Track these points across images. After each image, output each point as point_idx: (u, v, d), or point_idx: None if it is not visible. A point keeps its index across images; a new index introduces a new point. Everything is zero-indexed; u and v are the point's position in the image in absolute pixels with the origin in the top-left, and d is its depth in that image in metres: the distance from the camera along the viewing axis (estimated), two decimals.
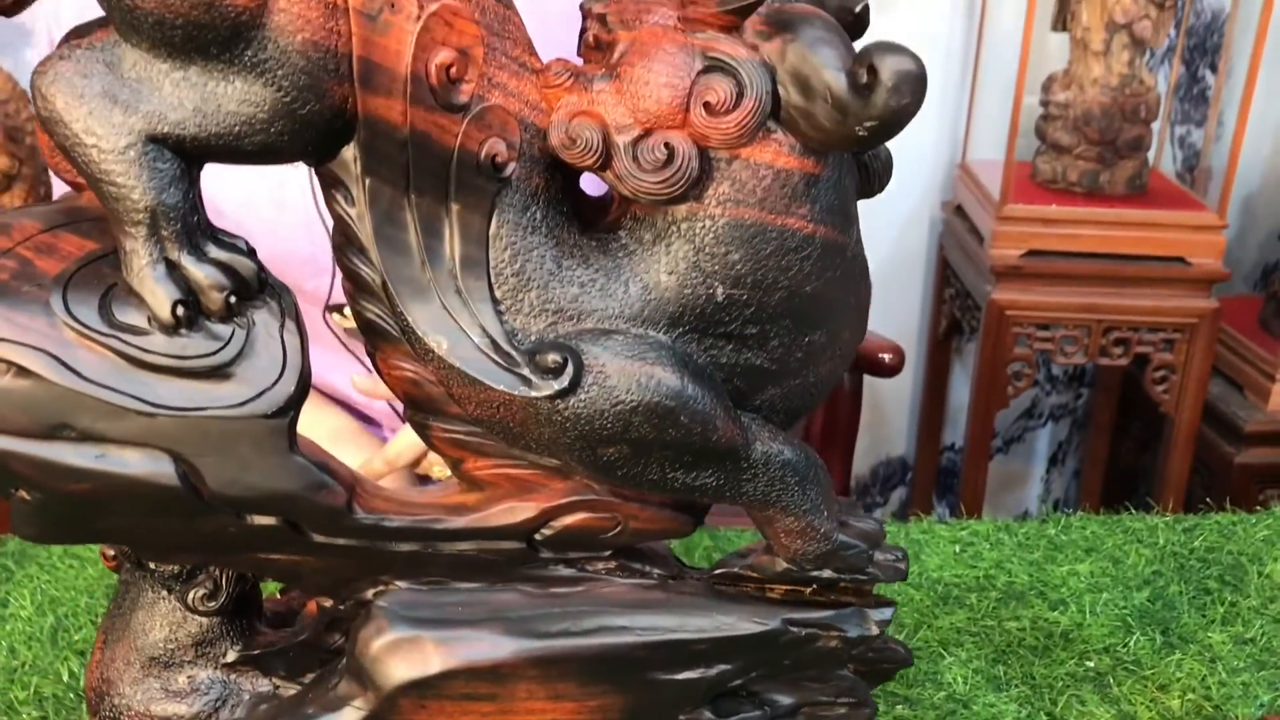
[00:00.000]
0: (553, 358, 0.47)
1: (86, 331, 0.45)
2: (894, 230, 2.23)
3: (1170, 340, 1.93)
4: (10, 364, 0.46)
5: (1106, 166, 1.92)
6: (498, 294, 0.48)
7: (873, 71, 0.43)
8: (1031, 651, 1.03)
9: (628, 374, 0.48)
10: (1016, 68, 1.80)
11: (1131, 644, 1.04)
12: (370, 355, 0.51)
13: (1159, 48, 1.92)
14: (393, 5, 0.44)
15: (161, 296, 0.46)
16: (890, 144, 0.49)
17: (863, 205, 0.53)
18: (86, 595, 1.02)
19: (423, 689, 0.52)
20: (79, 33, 0.48)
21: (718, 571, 0.55)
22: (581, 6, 0.51)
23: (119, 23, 0.44)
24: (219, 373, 0.47)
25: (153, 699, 0.58)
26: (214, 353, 0.46)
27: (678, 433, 0.48)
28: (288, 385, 0.47)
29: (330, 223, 0.49)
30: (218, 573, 0.58)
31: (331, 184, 0.48)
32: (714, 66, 0.45)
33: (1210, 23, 2.18)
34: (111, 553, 0.61)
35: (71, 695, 0.94)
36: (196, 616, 0.58)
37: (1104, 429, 2.42)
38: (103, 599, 0.94)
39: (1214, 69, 2.20)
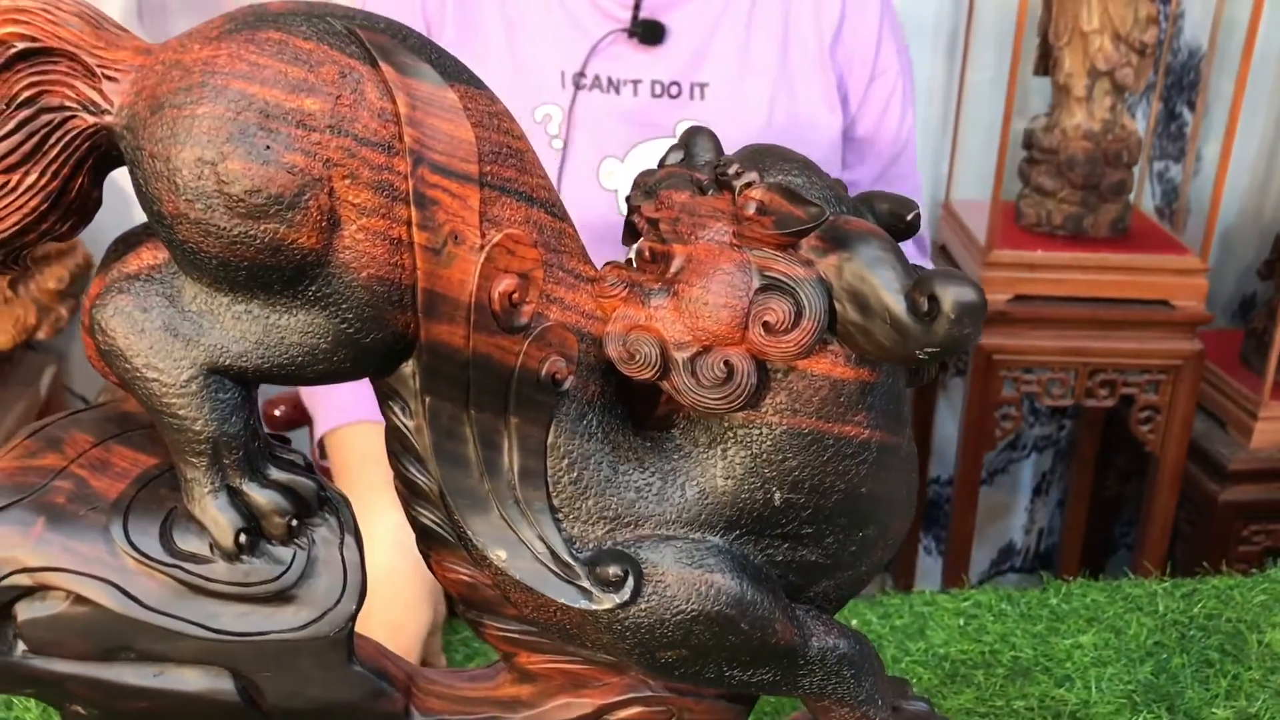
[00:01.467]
0: (614, 570, 0.47)
1: (148, 562, 0.45)
2: None
3: (1155, 382, 1.95)
4: (70, 592, 0.46)
5: (1090, 210, 1.94)
6: (555, 502, 0.48)
7: (934, 301, 0.43)
8: None
9: (687, 583, 0.48)
10: (1000, 110, 1.82)
11: None
12: (424, 556, 0.51)
13: (1139, 93, 1.94)
14: (456, 238, 0.44)
15: (224, 525, 0.45)
16: None
17: None
18: None
19: None
20: (125, 242, 0.47)
21: None
22: (629, 199, 0.51)
23: (180, 260, 0.44)
24: (281, 597, 0.46)
25: None
26: (276, 578, 0.46)
27: (737, 638, 0.49)
28: (349, 605, 0.47)
29: None
30: None
31: (388, 395, 0.48)
32: (772, 286, 0.45)
33: (1187, 60, 2.21)
34: None
35: None
36: None
37: (1087, 460, 2.44)
38: None
39: (1191, 106, 2.23)
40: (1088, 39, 1.85)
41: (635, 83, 1.10)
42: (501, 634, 0.51)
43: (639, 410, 0.51)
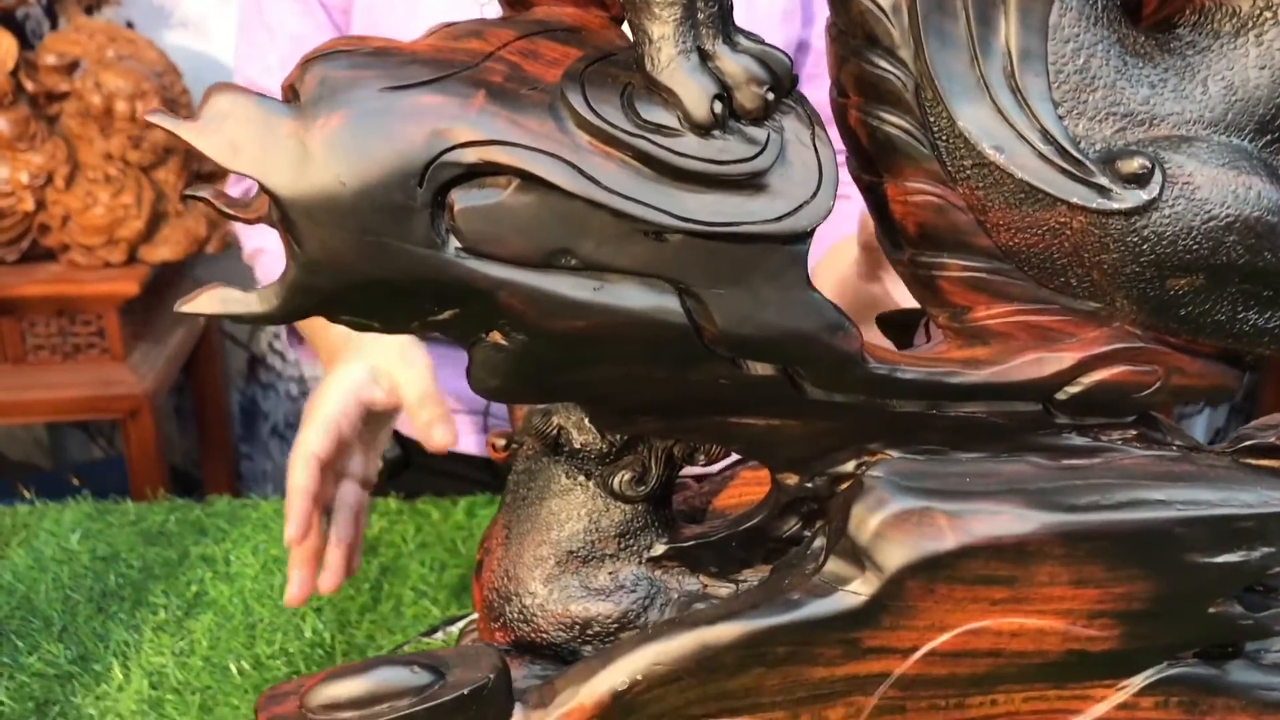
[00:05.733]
0: (1138, 164, 0.40)
1: (611, 131, 0.39)
2: None
3: None
4: (515, 173, 0.40)
5: None
6: (1056, 95, 0.41)
7: None
8: None
9: (1221, 184, 0.41)
10: None
11: None
12: (870, 187, 0.45)
13: None
14: None
15: (697, 90, 0.39)
16: None
17: None
18: None
19: (933, 569, 0.45)
20: None
21: (1246, 444, 0.48)
22: None
23: None
24: (754, 182, 0.40)
25: (571, 597, 0.51)
26: (752, 158, 0.40)
27: (1273, 256, 0.41)
28: (825, 200, 0.40)
29: None
30: (646, 453, 0.51)
31: None
32: None
33: None
34: (502, 442, 0.55)
35: (319, 652, 0.88)
36: (620, 504, 0.52)
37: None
38: None
39: None
40: None
41: None
42: (966, 275, 0.44)
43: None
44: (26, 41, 1.78)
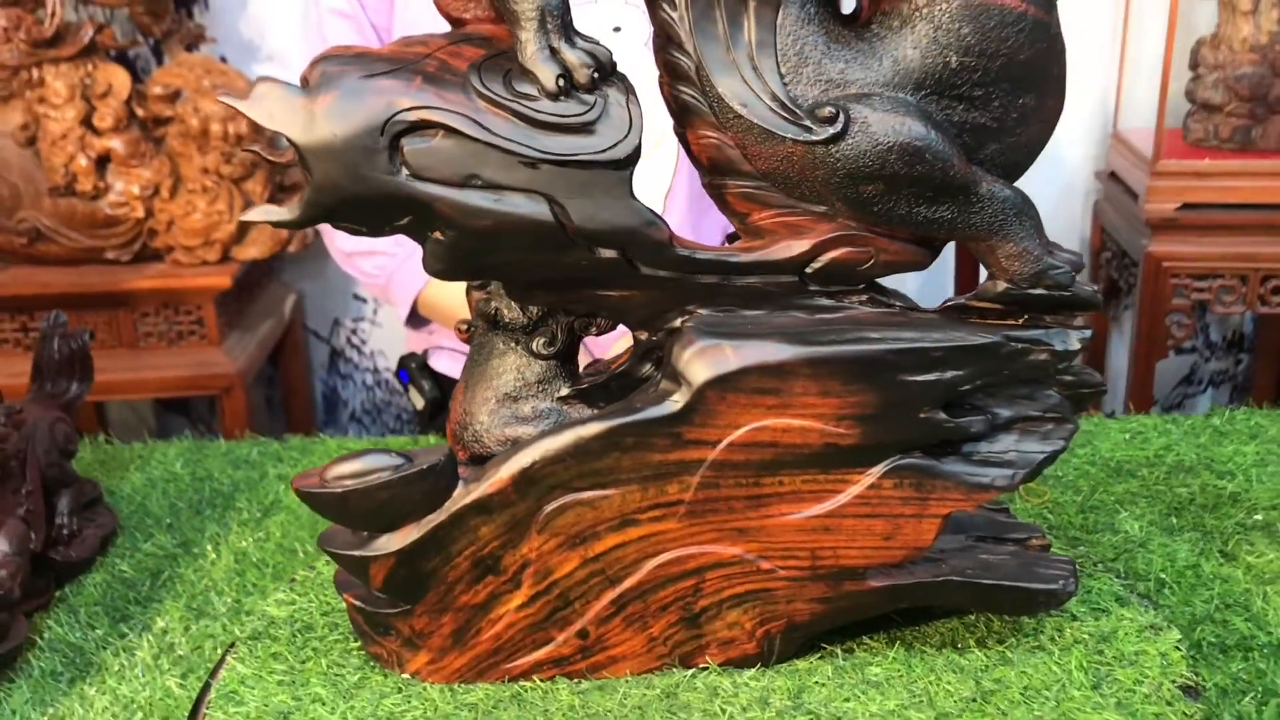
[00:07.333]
0: (828, 110, 0.64)
1: (496, 97, 0.64)
2: (1050, 202, 2.33)
3: None
4: (440, 126, 0.64)
5: (1258, 122, 2.00)
6: (783, 70, 0.65)
7: None
8: (1201, 508, 1.14)
9: (884, 122, 0.64)
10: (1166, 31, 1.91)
11: None
12: (680, 135, 0.69)
13: None
14: None
15: (548, 72, 0.64)
16: None
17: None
18: None
19: (724, 383, 0.68)
20: None
21: (948, 304, 0.71)
22: None
23: None
24: (586, 128, 0.64)
25: (505, 424, 0.76)
26: (583, 113, 0.64)
27: (924, 168, 0.64)
28: (634, 139, 0.65)
29: None
30: (554, 325, 0.75)
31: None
32: None
33: None
34: (465, 327, 0.80)
35: None
36: (538, 361, 0.76)
37: (1265, 395, 2.46)
38: None
39: None
40: None
41: None
42: (740, 191, 0.68)
43: (843, 21, 0.68)
44: (137, 75, 2.10)
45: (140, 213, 1.94)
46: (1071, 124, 2.28)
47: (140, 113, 1.94)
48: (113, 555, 1.12)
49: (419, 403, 1.51)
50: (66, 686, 0.91)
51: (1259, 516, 1.13)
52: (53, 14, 1.89)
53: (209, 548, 1.13)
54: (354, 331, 2.50)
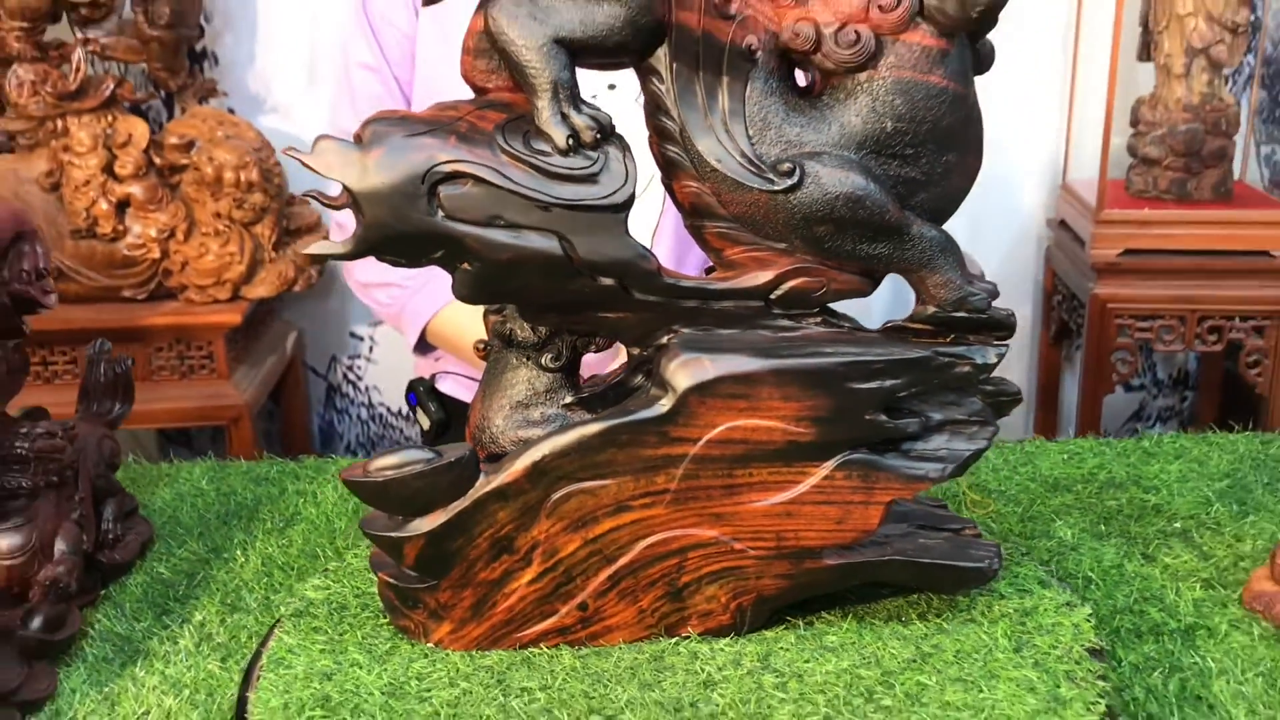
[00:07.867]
0: (787, 165, 0.79)
1: (517, 153, 0.78)
2: (1004, 247, 2.50)
3: (1260, 327, 2.15)
4: (471, 176, 0.79)
5: (1193, 175, 2.17)
6: (750, 132, 0.80)
7: None
8: (1128, 518, 1.29)
9: (832, 175, 0.79)
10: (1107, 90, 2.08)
11: (1213, 512, 1.29)
12: (666, 184, 0.83)
13: (1234, 68, 2.19)
14: None
15: (559, 133, 0.78)
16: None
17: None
18: None
19: (703, 390, 0.82)
20: None
21: (887, 325, 0.85)
22: None
23: None
24: (591, 179, 0.79)
25: (518, 427, 0.90)
26: (588, 166, 0.79)
27: (865, 213, 0.79)
28: (629, 187, 0.79)
29: None
30: (560, 343, 0.89)
31: (648, 73, 0.80)
32: None
33: None
34: (483, 346, 0.94)
35: None
36: (546, 374, 0.90)
37: (1205, 428, 2.61)
38: None
39: None
40: (1184, 21, 2.11)
41: None
42: (716, 230, 0.82)
43: (799, 93, 0.83)
44: (150, 126, 2.24)
45: (156, 254, 2.08)
46: (1025, 175, 2.45)
47: (157, 161, 2.08)
48: (151, 559, 1.24)
49: (425, 423, 1.64)
50: (118, 670, 1.03)
51: (1178, 524, 1.27)
52: (77, 69, 2.03)
53: (238, 553, 1.25)
54: (350, 368, 2.63)
